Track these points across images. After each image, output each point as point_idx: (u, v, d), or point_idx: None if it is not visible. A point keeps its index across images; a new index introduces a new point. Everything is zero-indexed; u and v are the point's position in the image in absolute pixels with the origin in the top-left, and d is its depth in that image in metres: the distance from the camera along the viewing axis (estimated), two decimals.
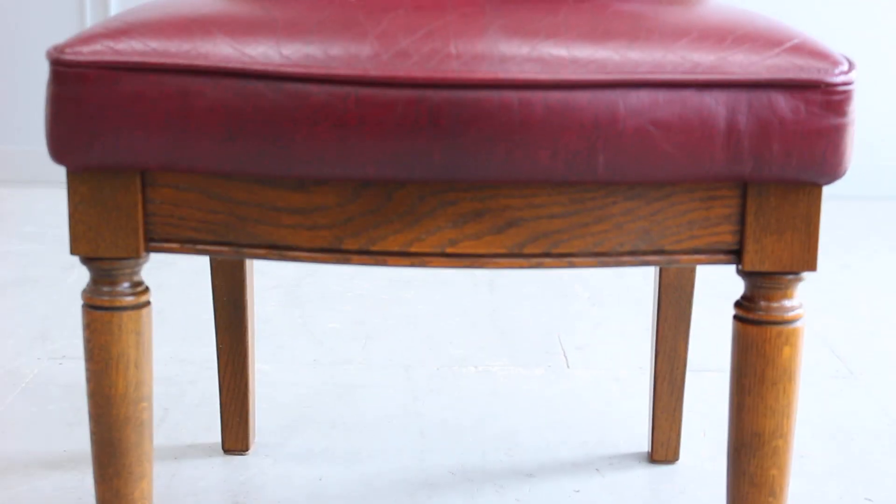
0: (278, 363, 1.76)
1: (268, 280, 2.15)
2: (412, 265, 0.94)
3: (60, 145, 0.93)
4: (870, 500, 1.38)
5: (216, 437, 1.51)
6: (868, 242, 2.51)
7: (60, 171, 2.83)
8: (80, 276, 2.15)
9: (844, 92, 0.91)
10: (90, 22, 2.82)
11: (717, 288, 2.13)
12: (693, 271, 1.39)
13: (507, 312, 2.00)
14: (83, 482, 1.39)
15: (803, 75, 0.90)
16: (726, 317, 1.98)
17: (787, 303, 0.97)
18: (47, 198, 2.71)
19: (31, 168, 2.85)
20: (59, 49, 0.92)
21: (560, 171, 0.90)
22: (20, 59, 2.84)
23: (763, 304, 0.96)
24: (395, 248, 0.94)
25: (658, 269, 1.39)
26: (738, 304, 0.98)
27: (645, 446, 1.51)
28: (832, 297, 2.12)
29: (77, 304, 2.00)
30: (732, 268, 2.24)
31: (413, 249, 0.94)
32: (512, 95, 0.88)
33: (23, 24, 2.83)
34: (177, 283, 2.12)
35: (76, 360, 1.75)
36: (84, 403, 1.59)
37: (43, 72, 2.85)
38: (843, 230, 2.60)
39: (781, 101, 0.90)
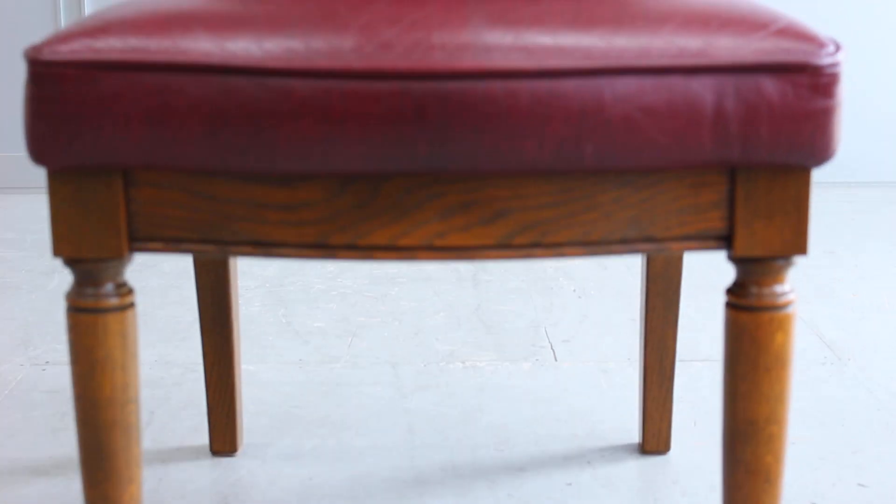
0: (264, 363, 1.75)
1: (251, 280, 2.13)
2: (400, 259, 0.93)
3: (40, 146, 0.91)
4: (863, 485, 1.38)
5: (204, 439, 1.50)
6: (851, 229, 2.51)
7: (38, 177, 2.81)
8: (61, 281, 2.13)
9: (832, 74, 0.90)
10: (64, 24, 2.80)
11: (702, 278, 2.13)
12: (680, 260, 1.38)
13: (493, 307, 1.99)
14: (70, 488, 1.37)
15: (790, 58, 0.90)
16: (712, 306, 1.98)
17: (778, 288, 0.96)
18: (25, 203, 2.69)
19: (8, 174, 2.83)
20: (36, 48, 0.91)
21: (547, 160, 0.89)
22: None
23: (754, 290, 0.95)
24: (383, 243, 0.92)
25: (645, 259, 1.39)
26: (729, 291, 0.97)
27: (636, 437, 1.50)
28: (818, 283, 2.12)
29: (58, 309, 1.98)
30: (717, 258, 2.24)
31: (401, 243, 0.92)
32: (497, 85, 0.87)
33: None
34: (158, 285, 2.11)
35: (59, 365, 1.73)
36: (69, 409, 1.58)
37: (16, 75, 2.83)
38: (826, 217, 2.60)
39: (769, 84, 0.89)
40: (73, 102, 0.90)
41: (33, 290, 2.08)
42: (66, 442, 1.49)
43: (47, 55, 0.90)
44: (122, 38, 0.90)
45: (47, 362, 1.74)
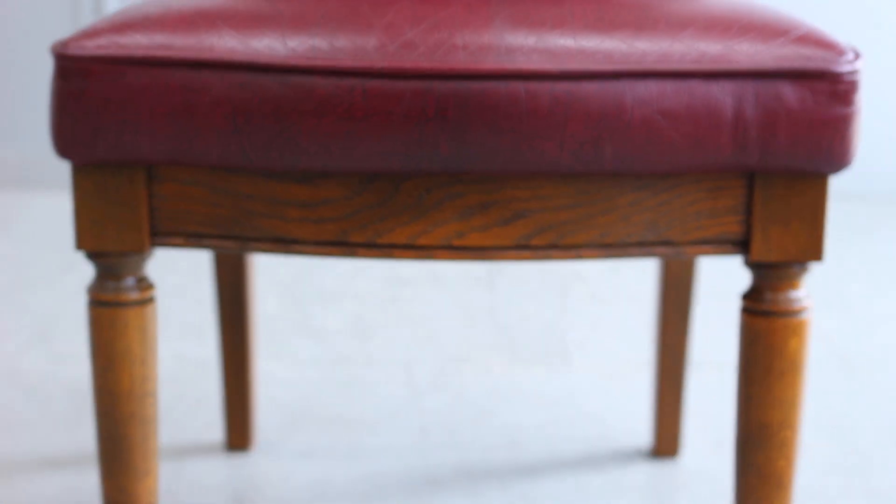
0: (279, 361, 1.76)
1: (266, 279, 2.14)
2: (419, 258, 0.94)
3: (65, 140, 0.92)
4: (872, 493, 1.38)
5: (218, 435, 1.51)
6: (861, 238, 2.51)
7: (57, 174, 2.83)
8: (78, 277, 2.14)
9: (851, 81, 0.91)
10: (83, 23, 2.81)
11: (716, 283, 2.13)
12: (695, 264, 1.39)
13: (507, 309, 2.00)
14: (87, 482, 1.38)
15: (810, 65, 0.90)
16: (725, 311, 1.98)
17: (793, 294, 0.97)
18: (44, 200, 2.71)
19: (27, 171, 2.84)
20: (63, 44, 0.92)
21: (566, 162, 0.90)
22: (14, 61, 2.84)
23: (770, 295, 0.96)
24: (402, 241, 0.93)
25: (660, 263, 1.39)
26: (744, 296, 0.98)
27: (647, 442, 1.51)
28: (827, 292, 2.12)
29: (75, 304, 1.99)
30: (732, 262, 2.25)
31: (420, 242, 0.93)
32: (518, 86, 0.88)
33: (14, 25, 2.82)
34: (175, 282, 2.12)
35: (76, 359, 1.74)
36: (86, 403, 1.59)
37: (37, 73, 2.84)
38: (836, 226, 2.60)
39: (788, 90, 0.90)
40: (99, 98, 0.91)
41: (50, 286, 2.09)
42: (83, 436, 1.50)
43: (73, 50, 0.91)
44: (148, 34, 0.91)
45: (64, 357, 1.75)
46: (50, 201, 2.68)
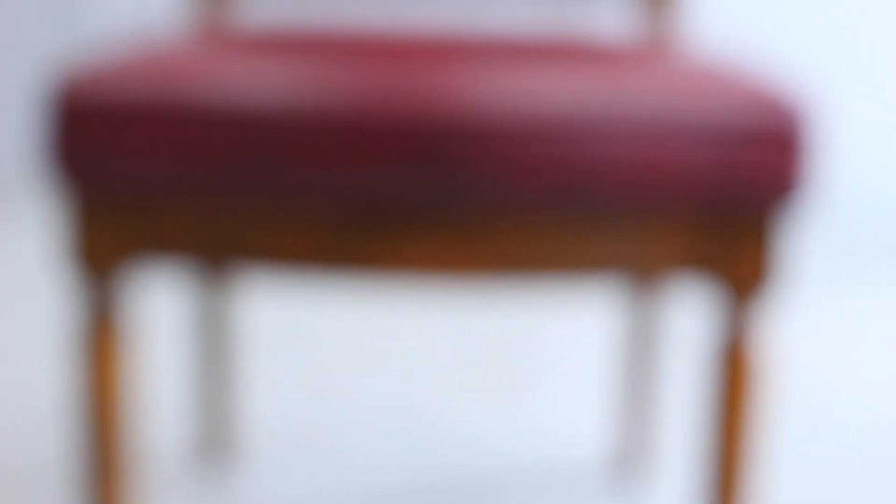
0: (262, 385, 1.79)
1: (251, 303, 2.18)
2: (395, 281, 0.98)
3: (65, 165, 0.96)
4: None
5: (201, 455, 1.53)
6: (826, 269, 2.55)
7: (45, 195, 2.85)
8: (65, 297, 2.17)
9: (800, 136, 0.96)
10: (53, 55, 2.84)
11: (685, 313, 2.17)
12: (662, 290, 1.43)
13: (476, 335, 2.04)
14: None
15: (759, 121, 0.96)
16: (694, 341, 2.03)
17: (755, 326, 1.01)
18: (34, 222, 2.73)
19: (16, 190, 2.87)
20: (56, 87, 0.96)
21: (536, 203, 0.95)
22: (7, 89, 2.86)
23: (731, 327, 1.01)
24: (379, 267, 0.98)
25: (629, 294, 1.44)
26: (706, 328, 1.02)
27: (615, 462, 1.55)
28: (796, 325, 2.16)
29: (61, 325, 2.01)
30: (699, 292, 2.29)
31: (397, 267, 0.98)
32: (491, 138, 0.93)
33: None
34: (161, 301, 2.15)
35: (62, 381, 1.77)
36: (71, 424, 1.61)
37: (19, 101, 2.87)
38: (801, 258, 2.64)
39: (738, 146, 0.95)
40: (87, 142, 0.95)
41: (38, 306, 2.12)
42: (65, 459, 1.52)
43: (78, 94, 0.96)
44: (137, 82, 0.96)
45: (49, 379, 1.78)
46: (39, 223, 2.70)
